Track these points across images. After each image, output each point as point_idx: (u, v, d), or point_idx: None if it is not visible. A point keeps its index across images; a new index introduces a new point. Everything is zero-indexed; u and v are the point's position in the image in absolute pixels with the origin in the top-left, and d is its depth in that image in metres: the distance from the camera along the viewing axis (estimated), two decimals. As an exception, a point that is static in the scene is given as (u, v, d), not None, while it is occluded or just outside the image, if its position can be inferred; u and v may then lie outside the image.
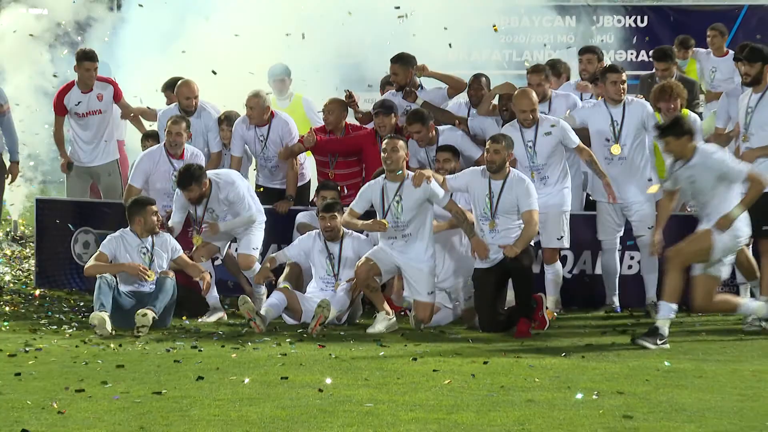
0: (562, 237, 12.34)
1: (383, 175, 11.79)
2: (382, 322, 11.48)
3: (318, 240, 12.05)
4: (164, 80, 14.77)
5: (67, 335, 11.20)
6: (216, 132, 13.71)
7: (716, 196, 10.65)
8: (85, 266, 12.00)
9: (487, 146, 11.69)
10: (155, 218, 11.99)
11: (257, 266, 12.20)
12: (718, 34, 15.67)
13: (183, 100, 13.65)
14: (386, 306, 11.68)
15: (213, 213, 12.38)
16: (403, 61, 13.61)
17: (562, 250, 12.55)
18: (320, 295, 11.79)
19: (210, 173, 12.37)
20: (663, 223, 11.21)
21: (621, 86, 12.31)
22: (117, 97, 14.39)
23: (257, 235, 12.44)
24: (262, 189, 13.66)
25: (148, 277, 11.57)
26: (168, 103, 14.30)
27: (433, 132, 12.89)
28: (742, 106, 11.73)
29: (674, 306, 10.65)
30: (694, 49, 15.89)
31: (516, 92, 12.35)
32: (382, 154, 11.75)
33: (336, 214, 11.93)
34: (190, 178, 12.12)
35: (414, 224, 11.61)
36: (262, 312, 11.42)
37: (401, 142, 11.80)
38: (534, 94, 12.26)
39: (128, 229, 12.05)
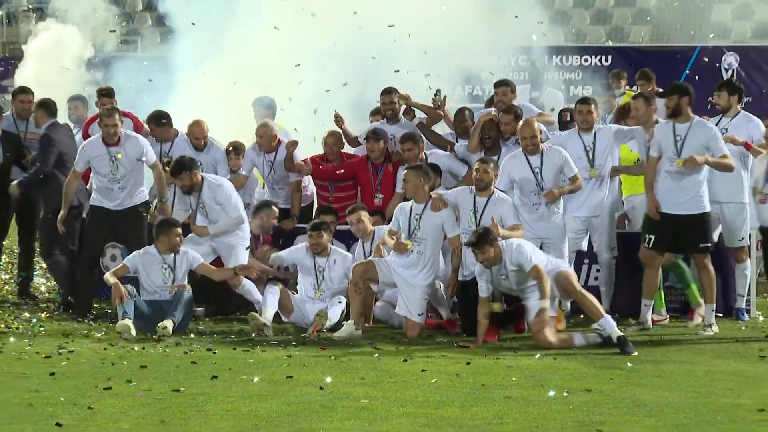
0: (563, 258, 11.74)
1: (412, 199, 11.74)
2: (347, 330, 11.29)
3: (308, 254, 12.03)
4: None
5: (96, 339, 11.19)
6: (225, 164, 13.57)
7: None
8: (105, 275, 11.96)
9: (476, 166, 11.65)
10: (179, 239, 11.92)
11: (245, 282, 12.15)
12: (645, 81, 15.45)
13: (193, 139, 13.57)
14: (357, 316, 11.42)
15: (204, 209, 12.28)
16: (394, 92, 13.67)
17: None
18: (312, 308, 11.77)
19: (204, 174, 12.41)
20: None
21: (587, 116, 12.25)
22: (138, 129, 14.33)
23: (243, 255, 12.33)
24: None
25: (123, 300, 11.48)
26: (150, 134, 13.94)
27: (423, 154, 12.87)
28: (667, 136, 11.57)
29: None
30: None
31: (521, 123, 12.01)
32: (403, 184, 11.78)
33: (322, 232, 11.90)
34: (181, 167, 12.22)
35: (425, 244, 11.51)
36: (267, 316, 11.39)
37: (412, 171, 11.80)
38: (536, 123, 11.98)
39: (153, 246, 12.01)
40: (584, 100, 12.70)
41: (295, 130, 14.82)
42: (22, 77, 19.52)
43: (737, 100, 12.26)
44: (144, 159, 12.41)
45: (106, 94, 14.46)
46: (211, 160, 13.64)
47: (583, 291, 10.96)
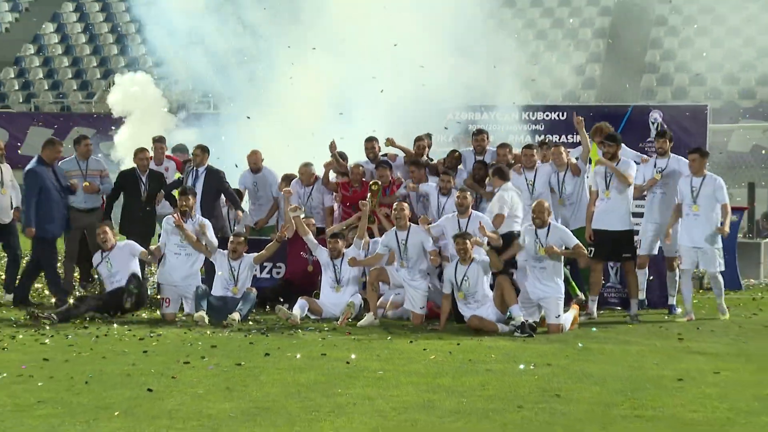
0: (558, 316, 10.72)
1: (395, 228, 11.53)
2: (367, 320, 11.22)
3: (328, 256, 11.93)
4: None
5: (179, 325, 11.23)
6: (275, 185, 13.64)
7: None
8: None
9: (457, 195, 11.55)
10: (241, 247, 11.85)
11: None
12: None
13: (252, 165, 13.60)
14: (374, 309, 11.36)
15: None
16: (375, 140, 13.45)
17: None
18: (331, 295, 11.70)
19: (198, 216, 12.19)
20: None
21: (530, 157, 12.18)
22: (178, 166, 14.12)
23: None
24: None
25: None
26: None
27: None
28: (601, 174, 11.58)
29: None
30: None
31: (536, 202, 11.11)
32: (394, 212, 11.53)
33: (338, 240, 11.80)
34: (186, 191, 12.16)
35: (413, 260, 11.37)
36: (295, 314, 11.20)
37: (406, 205, 11.65)
38: (546, 203, 11.05)
39: (225, 252, 11.94)
40: (528, 146, 12.60)
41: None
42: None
43: (670, 145, 12.19)
44: None
45: (159, 140, 14.31)
46: (264, 179, 13.69)
47: (504, 283, 10.73)
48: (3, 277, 13.54)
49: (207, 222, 12.09)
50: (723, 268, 11.69)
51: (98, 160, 13.39)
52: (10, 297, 12.67)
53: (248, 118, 16.53)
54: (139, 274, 11.98)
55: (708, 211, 11.40)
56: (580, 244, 10.99)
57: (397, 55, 16.21)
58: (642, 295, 11.99)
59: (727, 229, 11.54)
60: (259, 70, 18.10)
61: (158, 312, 11.92)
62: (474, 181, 12.60)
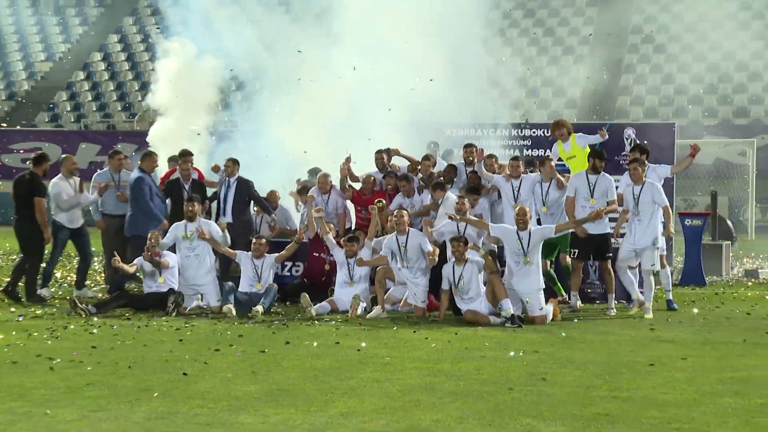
0: (542, 308, 10.67)
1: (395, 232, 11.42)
2: (376, 312, 11.18)
3: (344, 255, 11.82)
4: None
5: (210, 317, 11.22)
6: (292, 219, 13.77)
7: None
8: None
9: (457, 200, 11.43)
10: (261, 248, 11.81)
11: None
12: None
13: (321, 185, 13.27)
14: (381, 303, 11.31)
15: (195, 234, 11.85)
16: (384, 151, 13.43)
17: None
18: (345, 290, 11.58)
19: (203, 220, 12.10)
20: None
21: (516, 168, 12.06)
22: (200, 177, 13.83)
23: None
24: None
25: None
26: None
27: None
28: (583, 183, 11.45)
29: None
30: None
31: (519, 208, 11.05)
32: (394, 218, 11.42)
33: (354, 243, 11.73)
34: (192, 198, 12.05)
35: (413, 260, 11.28)
36: (316, 307, 11.17)
37: (405, 212, 11.55)
38: (528, 208, 10.98)
39: (249, 253, 11.89)
40: (515, 158, 12.47)
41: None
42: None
43: (647, 158, 12.07)
44: None
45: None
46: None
47: (495, 281, 10.64)
48: (75, 276, 13.61)
49: (208, 221, 12.12)
50: (657, 268, 11.38)
51: (129, 172, 13.29)
52: (79, 292, 12.77)
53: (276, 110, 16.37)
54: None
55: (649, 215, 11.15)
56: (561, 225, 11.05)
57: (402, 81, 16.18)
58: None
59: (671, 230, 11.42)
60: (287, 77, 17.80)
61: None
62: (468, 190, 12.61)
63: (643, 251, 11.20)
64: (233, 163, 13.16)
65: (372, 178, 13.19)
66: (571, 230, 11.41)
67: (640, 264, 11.35)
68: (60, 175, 12.99)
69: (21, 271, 12.55)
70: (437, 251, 11.36)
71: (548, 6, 37.77)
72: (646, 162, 11.77)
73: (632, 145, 14.24)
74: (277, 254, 12.01)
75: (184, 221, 11.91)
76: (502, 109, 18.85)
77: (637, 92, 33.32)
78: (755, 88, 32.49)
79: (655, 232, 11.17)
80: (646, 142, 14.26)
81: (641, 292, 11.35)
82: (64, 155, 13.61)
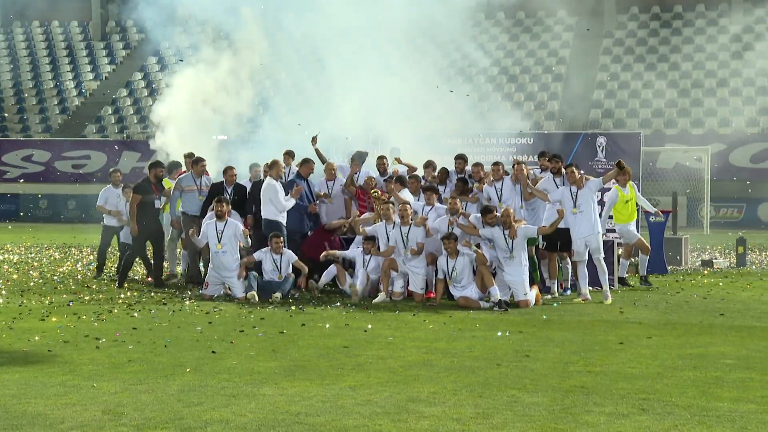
0: (526, 294, 10.61)
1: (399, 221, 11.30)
2: (380, 297, 11.08)
3: (361, 252, 11.67)
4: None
5: (235, 302, 11.18)
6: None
7: None
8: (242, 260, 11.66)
9: (449, 201, 11.38)
10: (280, 246, 11.57)
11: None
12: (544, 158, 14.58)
13: (327, 172, 13.00)
14: (386, 290, 11.18)
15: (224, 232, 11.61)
16: (385, 157, 13.31)
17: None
18: (360, 273, 11.46)
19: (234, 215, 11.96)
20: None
21: (497, 172, 11.89)
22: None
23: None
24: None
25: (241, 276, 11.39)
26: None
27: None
28: (551, 185, 11.52)
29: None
30: None
31: (503, 211, 10.85)
32: (400, 211, 11.25)
33: (372, 243, 11.56)
34: (221, 199, 11.73)
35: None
36: (323, 280, 11.36)
37: (409, 206, 11.43)
38: (512, 209, 10.89)
39: (268, 249, 11.75)
40: (496, 163, 12.19)
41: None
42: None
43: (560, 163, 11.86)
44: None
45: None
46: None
47: (484, 271, 10.56)
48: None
49: (235, 222, 11.76)
50: (603, 255, 11.15)
51: (209, 178, 13.00)
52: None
53: (299, 125, 16.04)
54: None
55: (587, 209, 11.01)
56: (541, 228, 10.96)
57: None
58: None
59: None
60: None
61: (200, 291, 11.75)
62: (458, 193, 12.46)
63: (590, 241, 11.02)
64: (289, 156, 13.20)
65: (373, 180, 13.01)
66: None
67: (589, 253, 11.09)
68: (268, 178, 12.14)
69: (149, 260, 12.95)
70: (428, 226, 11.24)
71: (531, 31, 37.70)
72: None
73: (604, 152, 14.21)
74: (296, 258, 11.71)
75: (214, 219, 11.83)
76: (489, 121, 18.83)
77: (608, 105, 33.29)
78: (710, 103, 32.48)
79: (596, 221, 11.04)
80: (615, 149, 14.22)
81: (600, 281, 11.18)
82: (272, 160, 12.51)
